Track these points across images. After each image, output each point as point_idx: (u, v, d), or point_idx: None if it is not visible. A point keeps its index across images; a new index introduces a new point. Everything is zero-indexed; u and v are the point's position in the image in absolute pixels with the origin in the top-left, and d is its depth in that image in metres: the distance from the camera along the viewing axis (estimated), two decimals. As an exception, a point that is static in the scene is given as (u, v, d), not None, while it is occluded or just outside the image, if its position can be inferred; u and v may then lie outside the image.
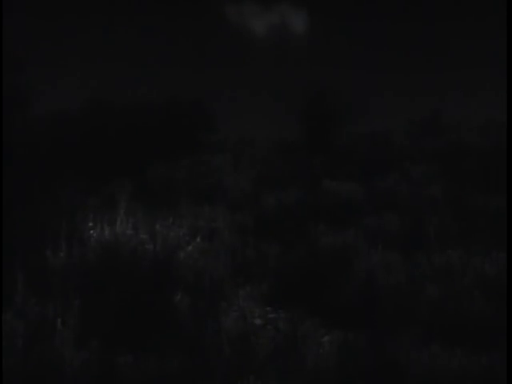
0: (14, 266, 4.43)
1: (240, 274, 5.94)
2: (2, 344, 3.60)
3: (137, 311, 4.38)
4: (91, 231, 4.95)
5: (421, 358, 4.05)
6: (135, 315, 4.34)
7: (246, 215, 8.18)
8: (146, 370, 3.76)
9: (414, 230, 7.48)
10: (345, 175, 10.50)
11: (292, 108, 12.93)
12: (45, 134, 9.28)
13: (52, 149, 9.06)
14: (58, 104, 11.54)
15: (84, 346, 3.76)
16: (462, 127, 14.91)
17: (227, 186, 10.12)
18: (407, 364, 4.04)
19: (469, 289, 5.03)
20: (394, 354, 4.13)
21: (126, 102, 12.18)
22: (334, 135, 12.44)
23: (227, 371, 3.91)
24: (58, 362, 3.66)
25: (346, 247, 6.11)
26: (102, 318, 4.21)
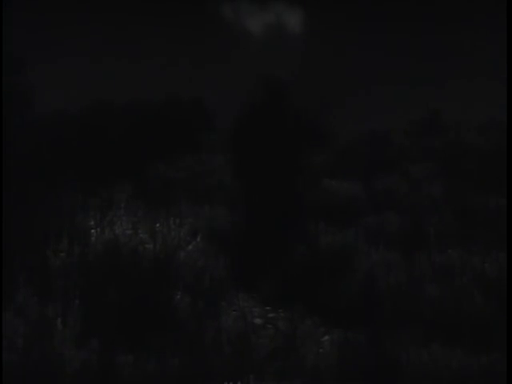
0: (14, 265, 4.44)
1: (240, 274, 5.93)
2: (2, 344, 3.60)
3: (137, 311, 4.38)
4: (92, 231, 4.95)
5: (421, 357, 4.05)
6: (135, 315, 4.34)
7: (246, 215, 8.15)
8: (146, 370, 3.77)
9: (414, 230, 7.48)
10: (344, 175, 10.49)
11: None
12: (45, 134, 9.29)
13: (52, 149, 9.07)
14: (58, 104, 11.53)
15: (84, 346, 3.76)
16: (461, 127, 14.89)
17: (227, 186, 10.11)
18: (407, 363, 4.04)
19: (469, 289, 5.04)
20: (394, 353, 4.14)
21: (125, 102, 12.18)
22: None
23: (227, 371, 3.91)
24: (57, 362, 3.66)
25: (346, 247, 6.11)
26: (101, 317, 4.21)
